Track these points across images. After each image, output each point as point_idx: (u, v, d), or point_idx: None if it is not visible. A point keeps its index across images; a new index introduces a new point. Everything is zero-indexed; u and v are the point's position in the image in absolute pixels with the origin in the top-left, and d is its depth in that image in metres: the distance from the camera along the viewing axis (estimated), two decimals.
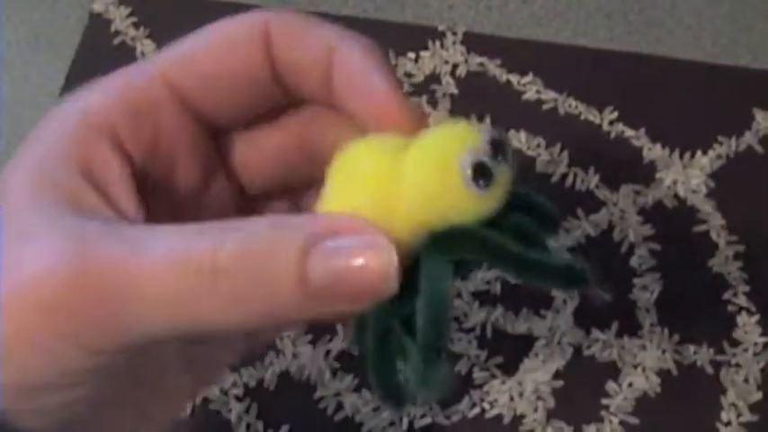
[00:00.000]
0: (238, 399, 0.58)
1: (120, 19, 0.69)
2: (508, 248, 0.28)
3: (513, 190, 0.28)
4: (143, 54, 0.68)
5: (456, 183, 0.27)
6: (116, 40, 0.69)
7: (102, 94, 0.31)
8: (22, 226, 0.28)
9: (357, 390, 0.58)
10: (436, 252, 0.28)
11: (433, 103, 0.65)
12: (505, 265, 0.28)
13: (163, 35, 0.69)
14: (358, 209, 0.28)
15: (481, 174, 0.27)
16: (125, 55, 0.69)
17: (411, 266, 0.28)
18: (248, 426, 0.57)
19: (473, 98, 0.65)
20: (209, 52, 0.32)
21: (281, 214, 0.35)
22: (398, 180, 0.28)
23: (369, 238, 0.27)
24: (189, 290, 0.26)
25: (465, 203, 0.27)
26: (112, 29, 0.69)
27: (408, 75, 0.66)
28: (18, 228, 0.28)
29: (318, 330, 0.59)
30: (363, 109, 0.31)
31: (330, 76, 0.31)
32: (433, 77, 0.66)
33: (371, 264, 0.26)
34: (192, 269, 0.26)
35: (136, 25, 0.69)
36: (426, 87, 0.66)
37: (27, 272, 0.27)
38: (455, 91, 0.66)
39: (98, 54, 0.69)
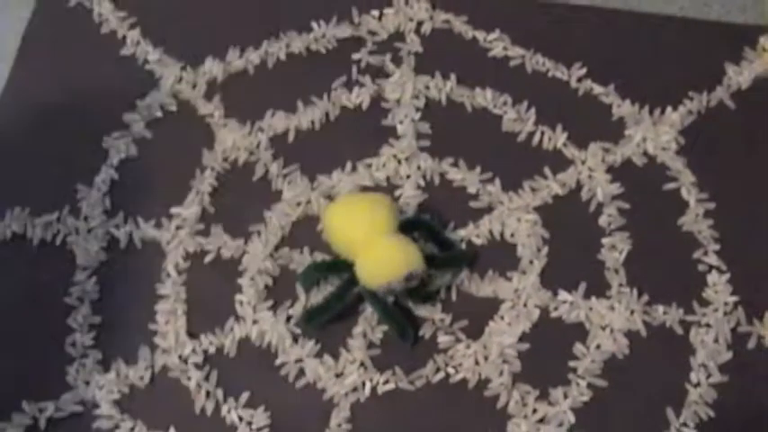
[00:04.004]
0: (198, 366, 0.57)
1: None
2: (384, 304, 0.56)
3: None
4: (100, 15, 0.67)
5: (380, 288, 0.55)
6: (73, 1, 0.67)
7: None
8: None
9: (319, 356, 0.56)
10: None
11: (398, 61, 0.64)
12: (376, 309, 0.56)
13: None
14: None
15: (390, 290, 0.55)
16: (82, 15, 0.67)
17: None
18: (208, 393, 0.56)
19: (438, 56, 0.64)
20: None
21: None
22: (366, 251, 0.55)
23: None
24: None
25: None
26: None
27: (372, 33, 0.65)
28: None
29: (279, 296, 0.58)
30: None
31: None
32: (398, 35, 0.65)
33: None
34: None
35: None
36: (390, 45, 0.64)
37: None
38: (420, 49, 0.64)
39: (54, 15, 0.67)
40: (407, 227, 0.56)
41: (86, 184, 0.62)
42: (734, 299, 0.56)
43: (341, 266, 0.56)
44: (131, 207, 0.61)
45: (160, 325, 0.58)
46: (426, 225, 0.57)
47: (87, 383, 0.56)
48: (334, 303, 0.56)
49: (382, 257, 0.54)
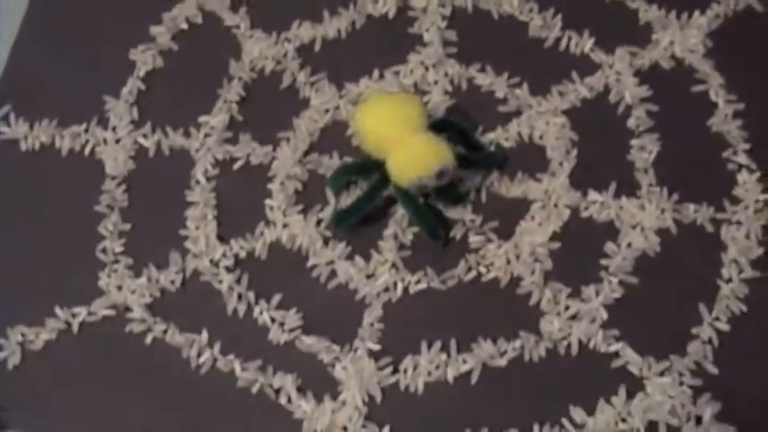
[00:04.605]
0: (229, 270, 0.57)
1: None
2: (415, 204, 0.56)
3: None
4: None
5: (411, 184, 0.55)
6: None
7: None
8: None
9: (350, 257, 0.56)
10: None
11: None
12: (408, 209, 0.56)
13: None
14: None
15: (420, 186, 0.54)
16: None
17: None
18: (240, 296, 0.56)
19: None
20: None
21: None
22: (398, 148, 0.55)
23: None
24: None
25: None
26: None
27: None
28: None
29: (309, 201, 0.58)
30: None
31: None
32: None
33: None
34: None
35: None
36: None
37: None
38: None
39: None
40: (438, 127, 0.56)
41: (113, 95, 0.62)
42: (764, 197, 0.56)
43: (371, 167, 0.56)
44: (159, 117, 0.61)
45: (190, 230, 0.58)
46: (456, 126, 0.57)
47: (119, 288, 0.57)
48: (364, 204, 0.56)
49: (414, 153, 0.54)
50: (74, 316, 0.56)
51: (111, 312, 0.56)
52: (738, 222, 0.56)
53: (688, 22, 0.61)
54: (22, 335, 0.56)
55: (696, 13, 0.61)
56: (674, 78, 0.60)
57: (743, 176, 0.57)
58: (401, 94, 0.58)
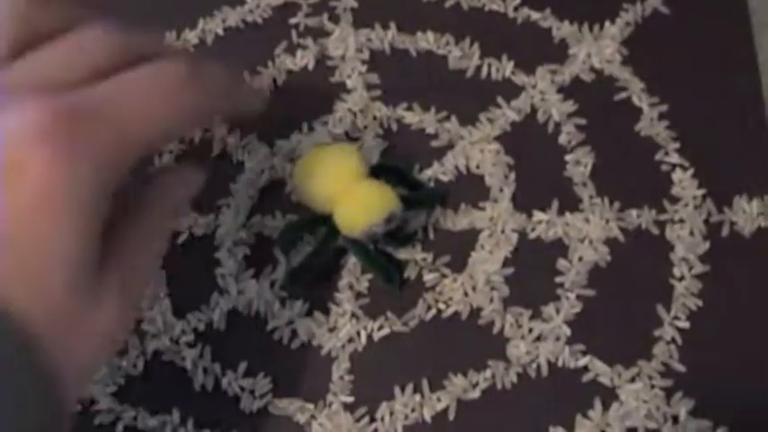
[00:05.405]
0: (190, 345, 0.56)
1: None
2: (367, 251, 0.56)
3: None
4: None
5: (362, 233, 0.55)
6: None
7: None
8: None
9: (309, 314, 0.56)
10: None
11: (335, 19, 0.64)
12: (360, 257, 0.57)
13: None
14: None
15: (371, 235, 0.55)
16: None
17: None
18: (205, 369, 0.56)
19: (374, 8, 0.64)
20: None
21: None
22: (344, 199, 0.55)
23: None
24: None
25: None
26: None
27: None
28: None
29: (259, 264, 0.58)
30: None
31: None
32: None
33: None
34: None
35: None
36: (325, 5, 0.65)
37: None
38: (354, 4, 0.64)
39: None
40: (376, 172, 0.56)
41: None
42: (701, 192, 0.58)
43: (317, 221, 0.56)
44: None
45: (145, 311, 0.57)
46: (394, 168, 0.58)
47: None
48: (315, 260, 0.56)
49: (361, 202, 0.54)
50: None
51: (77, 407, 0.55)
52: (681, 220, 0.57)
53: (600, 33, 0.62)
54: None
55: (607, 23, 0.62)
56: (597, 89, 0.61)
57: (677, 175, 0.58)
58: (338, 144, 0.59)
